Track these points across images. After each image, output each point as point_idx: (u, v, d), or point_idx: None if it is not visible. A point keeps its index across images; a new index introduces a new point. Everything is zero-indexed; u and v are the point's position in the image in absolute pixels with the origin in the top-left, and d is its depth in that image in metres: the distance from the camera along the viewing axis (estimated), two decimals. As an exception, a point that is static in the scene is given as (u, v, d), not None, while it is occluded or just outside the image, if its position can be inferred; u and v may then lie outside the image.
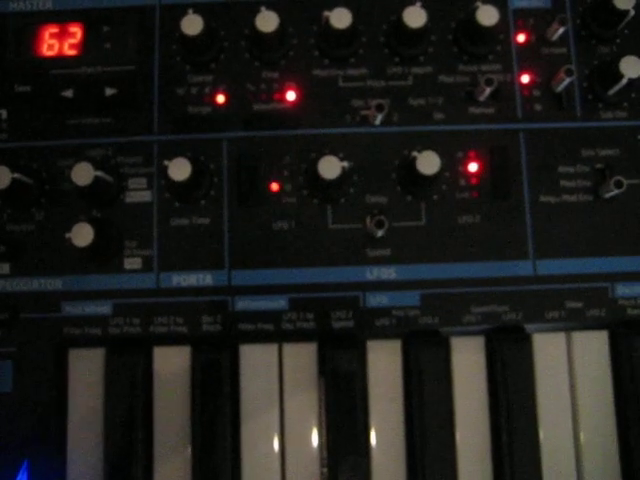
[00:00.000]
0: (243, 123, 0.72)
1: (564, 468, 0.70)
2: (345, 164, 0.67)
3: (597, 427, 0.71)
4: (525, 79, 0.73)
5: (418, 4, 0.69)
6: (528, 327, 0.71)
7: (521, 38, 0.74)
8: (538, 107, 0.73)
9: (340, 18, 0.69)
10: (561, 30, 0.72)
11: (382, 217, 0.67)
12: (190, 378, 0.70)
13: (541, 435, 0.70)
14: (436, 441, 0.69)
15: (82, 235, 0.67)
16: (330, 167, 0.67)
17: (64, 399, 0.71)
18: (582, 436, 0.71)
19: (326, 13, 0.69)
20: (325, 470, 0.70)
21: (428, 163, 0.67)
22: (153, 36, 0.74)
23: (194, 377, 0.70)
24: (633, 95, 0.73)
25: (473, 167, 0.72)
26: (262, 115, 0.72)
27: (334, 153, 0.70)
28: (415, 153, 0.67)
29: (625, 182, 0.69)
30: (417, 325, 0.70)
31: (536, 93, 0.73)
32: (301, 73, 0.73)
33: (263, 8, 0.69)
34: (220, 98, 0.72)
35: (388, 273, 0.70)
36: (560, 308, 0.70)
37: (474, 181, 0.71)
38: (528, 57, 0.74)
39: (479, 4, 0.70)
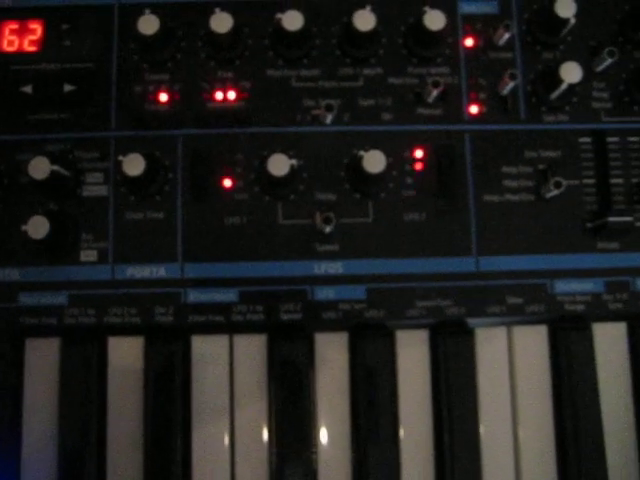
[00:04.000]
0: (198, 121, 0.74)
1: (503, 461, 0.73)
2: (294, 162, 0.70)
3: (535, 421, 0.74)
4: (472, 82, 0.76)
5: (368, 8, 0.72)
6: (470, 321, 0.74)
7: (469, 42, 0.77)
8: (484, 109, 0.75)
9: (292, 20, 0.71)
10: (506, 36, 0.75)
11: (330, 213, 0.70)
12: (143, 368, 0.72)
13: (481, 429, 0.73)
14: (381, 435, 0.72)
15: (38, 228, 0.69)
16: (279, 164, 0.69)
17: (20, 388, 0.72)
18: (520, 430, 0.73)
19: (278, 15, 0.72)
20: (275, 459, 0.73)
21: (374, 162, 0.69)
22: (112, 34, 0.75)
23: (147, 367, 0.72)
24: (575, 99, 0.76)
25: (420, 166, 0.74)
26: (216, 113, 0.74)
27: (286, 151, 0.72)
28: (361, 152, 0.70)
29: (564, 183, 0.72)
30: (363, 318, 0.72)
31: (482, 96, 0.76)
32: (255, 73, 0.75)
33: (218, 9, 0.71)
34: (176, 96, 0.74)
35: (335, 268, 0.72)
36: (501, 303, 0.73)
37: (420, 180, 0.74)
38: (475, 61, 0.76)
39: (427, 9, 0.72)
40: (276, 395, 0.72)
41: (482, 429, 0.73)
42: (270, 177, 0.69)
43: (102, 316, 0.72)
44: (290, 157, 0.70)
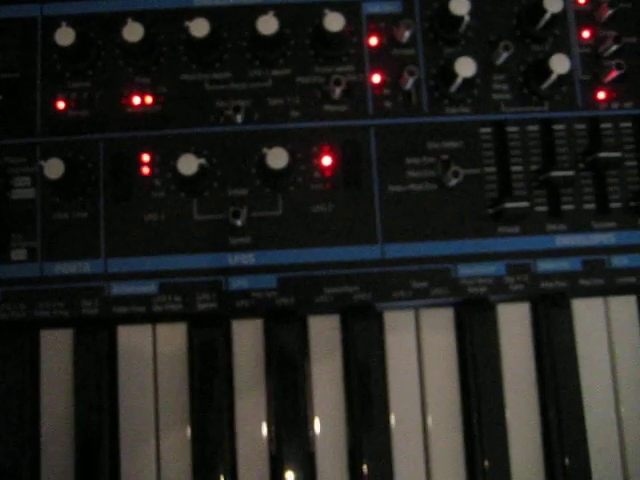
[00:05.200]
0: (118, 125, 0.79)
1: (413, 449, 0.77)
2: (202, 161, 0.74)
3: (443, 404, 0.78)
4: (376, 79, 0.80)
5: (271, 13, 0.76)
6: (379, 306, 0.78)
7: (373, 41, 0.80)
8: (388, 104, 0.80)
9: (199, 28, 0.76)
10: (407, 33, 0.79)
11: (238, 208, 0.74)
12: (72, 357, 0.78)
13: (391, 414, 0.77)
14: (296, 421, 0.76)
15: (-32, 230, 0.74)
16: (188, 164, 0.74)
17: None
18: (429, 414, 0.78)
19: (187, 23, 0.76)
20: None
21: (276, 158, 0.74)
22: (36, 45, 0.80)
23: (76, 355, 0.77)
24: (476, 92, 0.80)
25: (327, 160, 0.78)
26: (135, 117, 0.79)
27: (200, 151, 0.77)
28: (265, 149, 0.74)
29: (462, 172, 0.76)
30: (274, 306, 0.76)
31: (386, 91, 0.80)
32: (170, 78, 0.79)
33: (130, 20, 0.76)
34: (97, 102, 0.79)
35: (248, 259, 0.77)
36: (406, 288, 0.77)
37: (328, 173, 0.78)
38: (379, 58, 0.80)
39: (327, 11, 0.76)
40: (193, 380, 0.77)
41: (392, 414, 0.77)
42: (180, 176, 0.74)
43: (32, 310, 0.77)
44: (199, 156, 0.74)
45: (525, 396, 0.78)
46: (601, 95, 0.80)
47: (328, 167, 0.78)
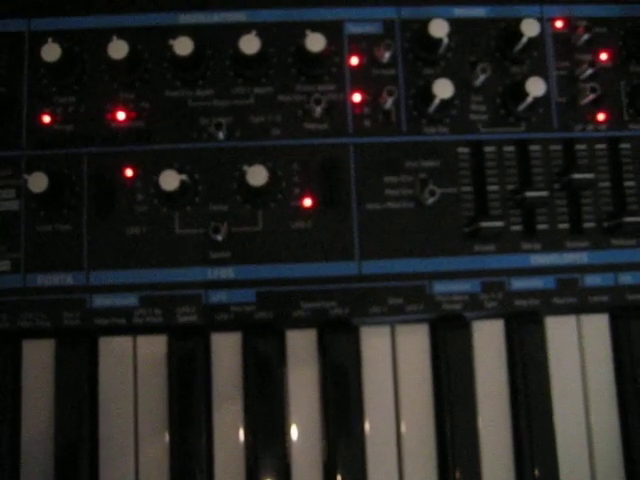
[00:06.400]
0: (102, 139, 0.80)
1: (387, 461, 0.79)
2: (184, 177, 0.76)
3: (417, 418, 0.79)
4: (357, 98, 0.81)
5: (253, 32, 0.77)
6: (355, 321, 0.80)
7: (354, 61, 0.82)
8: (367, 123, 0.81)
9: (182, 46, 0.77)
10: (387, 54, 0.80)
11: (218, 223, 0.76)
12: (54, 368, 0.79)
13: (367, 427, 0.78)
14: (273, 429, 0.77)
15: (-48, 241, 0.75)
16: (169, 180, 0.75)
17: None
18: (403, 426, 0.79)
19: (171, 41, 0.78)
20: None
21: (256, 175, 0.75)
22: (23, 60, 0.81)
23: (57, 367, 0.79)
24: (454, 112, 0.82)
25: (306, 178, 0.80)
26: (119, 132, 0.80)
27: (182, 166, 0.79)
28: (246, 167, 0.76)
29: (439, 190, 0.77)
30: (253, 319, 0.78)
31: (366, 110, 0.81)
32: (155, 94, 0.81)
33: (114, 37, 0.78)
34: (82, 117, 0.81)
35: (227, 273, 0.78)
36: (382, 304, 0.79)
37: (307, 190, 0.80)
38: (360, 78, 0.82)
39: (308, 32, 0.78)
40: (174, 391, 0.78)
41: (367, 426, 0.78)
42: (162, 191, 0.75)
43: (15, 321, 0.78)
44: (182, 172, 0.76)
45: (498, 411, 0.80)
46: (576, 117, 0.82)
47: (308, 184, 0.80)
